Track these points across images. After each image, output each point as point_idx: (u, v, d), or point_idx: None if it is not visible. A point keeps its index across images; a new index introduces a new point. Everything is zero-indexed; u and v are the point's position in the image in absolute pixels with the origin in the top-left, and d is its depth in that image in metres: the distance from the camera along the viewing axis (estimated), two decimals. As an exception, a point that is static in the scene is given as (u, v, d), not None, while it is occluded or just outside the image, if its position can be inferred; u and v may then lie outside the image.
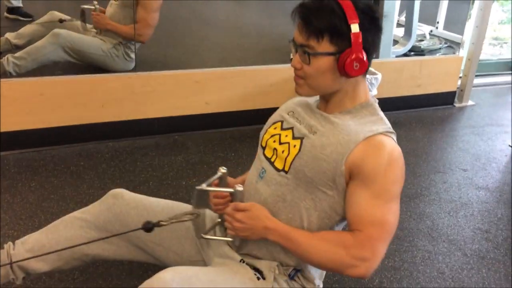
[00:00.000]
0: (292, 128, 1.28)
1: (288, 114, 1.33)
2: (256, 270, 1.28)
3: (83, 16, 3.12)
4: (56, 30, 3.17)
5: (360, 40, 1.14)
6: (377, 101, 1.30)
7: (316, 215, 1.23)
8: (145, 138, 2.68)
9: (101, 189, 2.14)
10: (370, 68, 2.90)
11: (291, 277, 1.29)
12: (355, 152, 1.16)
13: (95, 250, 1.44)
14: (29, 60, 3.08)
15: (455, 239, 2.03)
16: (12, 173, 2.24)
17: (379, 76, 2.91)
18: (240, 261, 1.31)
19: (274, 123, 1.35)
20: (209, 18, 4.82)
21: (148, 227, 1.28)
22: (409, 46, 4.26)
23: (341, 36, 1.14)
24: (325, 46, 1.15)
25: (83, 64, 3.16)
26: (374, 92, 2.92)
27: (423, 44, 4.46)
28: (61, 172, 2.29)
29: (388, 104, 3.24)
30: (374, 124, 1.21)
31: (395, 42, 4.34)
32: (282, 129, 1.30)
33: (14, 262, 1.38)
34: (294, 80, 1.23)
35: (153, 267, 1.40)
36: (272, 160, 1.28)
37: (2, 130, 2.37)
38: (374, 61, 3.36)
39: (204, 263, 1.45)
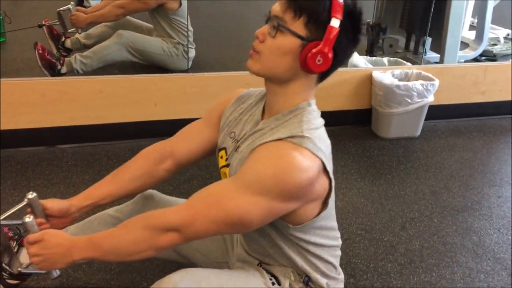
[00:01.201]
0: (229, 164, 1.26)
1: (231, 138, 1.29)
2: (272, 275, 1.30)
3: (61, 19, 3.25)
4: (120, 31, 3.33)
5: (335, 37, 1.07)
6: (311, 104, 1.18)
7: (265, 229, 1.20)
8: (195, 137, 2.74)
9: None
10: (427, 74, 2.84)
11: (306, 283, 1.29)
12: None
13: None
14: (95, 59, 3.26)
15: (502, 257, 1.92)
16: (69, 165, 2.40)
17: (436, 82, 2.80)
18: (258, 264, 1.33)
19: (220, 149, 1.33)
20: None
21: None
22: (479, 51, 4.05)
23: (318, 23, 1.07)
24: (298, 26, 1.08)
25: (146, 63, 3.32)
26: (430, 98, 2.82)
27: (496, 49, 4.22)
28: (114, 167, 2.34)
29: (447, 112, 3.13)
30: (284, 129, 1.13)
31: (466, 45, 4.15)
32: (226, 160, 1.28)
33: None
34: (250, 54, 1.15)
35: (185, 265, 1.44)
36: None
37: (62, 124, 2.53)
38: (435, 66, 3.27)
39: (228, 265, 1.48)
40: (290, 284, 1.28)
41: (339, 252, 1.38)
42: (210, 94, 2.69)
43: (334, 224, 1.33)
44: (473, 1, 4.25)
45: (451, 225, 2.11)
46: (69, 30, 3.38)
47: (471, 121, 3.18)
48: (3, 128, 2.44)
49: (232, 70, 2.77)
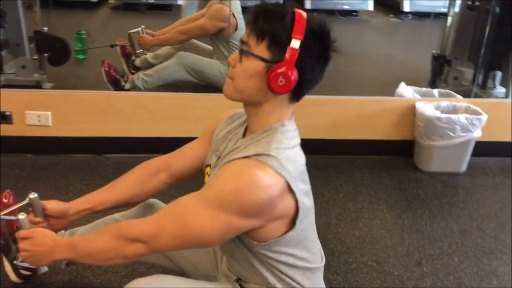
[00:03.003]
0: None
1: (216, 155, 1.32)
2: None
3: (131, 40, 3.51)
4: (181, 52, 3.53)
5: (295, 57, 1.10)
6: (285, 124, 1.19)
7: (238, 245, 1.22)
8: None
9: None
10: (475, 108, 2.72)
11: None
12: None
13: None
14: (156, 77, 3.48)
15: (521, 307, 1.80)
16: (107, 174, 2.57)
17: (484, 117, 2.69)
18: (235, 280, 1.36)
19: (206, 166, 1.37)
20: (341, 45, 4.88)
21: None
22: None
23: (279, 46, 1.11)
24: (262, 50, 1.12)
25: (203, 84, 3.48)
26: (477, 133, 2.70)
27: None
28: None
29: (499, 149, 2.96)
30: (254, 147, 1.15)
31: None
32: (209, 175, 1.33)
33: None
34: (225, 80, 1.20)
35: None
36: None
37: (108, 135, 2.73)
38: (485, 100, 3.12)
39: (217, 279, 1.53)
40: None
41: (317, 275, 1.37)
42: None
43: (311, 245, 1.33)
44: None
45: (473, 266, 2.00)
46: (137, 51, 3.65)
47: (525, 160, 2.99)
48: (56, 135, 2.68)
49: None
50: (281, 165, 1.11)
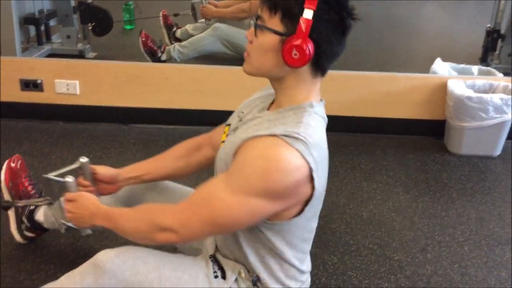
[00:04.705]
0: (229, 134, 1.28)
1: (238, 117, 1.30)
2: (221, 268, 1.32)
3: (193, 9, 3.48)
4: (217, 24, 3.52)
5: (308, 28, 1.06)
6: (313, 105, 1.16)
7: None
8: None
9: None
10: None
11: (254, 283, 1.30)
12: (238, 150, 1.12)
13: None
14: (191, 49, 3.50)
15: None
16: (129, 143, 2.63)
17: (521, 97, 2.50)
18: (210, 256, 1.36)
19: (226, 124, 1.35)
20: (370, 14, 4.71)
21: (5, 206, 1.52)
22: None
23: (292, 17, 1.08)
24: (275, 23, 1.10)
25: (239, 56, 3.46)
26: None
27: None
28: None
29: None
30: (282, 126, 1.11)
31: None
32: (226, 136, 1.30)
33: None
34: (244, 56, 1.18)
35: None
36: None
37: (133, 105, 2.79)
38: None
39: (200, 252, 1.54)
40: (237, 280, 1.30)
41: (304, 267, 1.34)
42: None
43: (307, 235, 1.30)
44: None
45: (482, 256, 1.89)
46: (199, 21, 3.66)
47: None
48: (83, 103, 2.77)
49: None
50: (308, 150, 1.07)
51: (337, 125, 2.77)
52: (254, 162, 1.07)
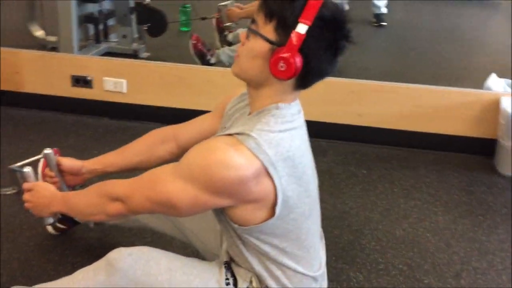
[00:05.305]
0: None
1: (221, 130, 1.30)
2: (234, 276, 1.31)
3: (220, 13, 3.49)
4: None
5: (299, 42, 1.04)
6: (280, 107, 1.14)
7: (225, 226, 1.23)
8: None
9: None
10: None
11: None
12: None
13: (145, 219, 1.68)
14: (241, 53, 3.52)
15: None
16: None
17: None
18: (224, 262, 1.35)
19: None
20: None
21: None
22: None
23: (285, 28, 1.06)
24: (268, 30, 1.09)
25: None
26: None
27: None
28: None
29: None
30: (241, 127, 1.12)
31: None
32: None
33: None
34: (234, 57, 1.19)
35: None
36: None
37: (177, 106, 2.83)
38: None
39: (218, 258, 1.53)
40: None
41: (307, 281, 1.29)
42: (313, 97, 2.68)
43: (306, 239, 1.26)
44: None
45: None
46: (225, 24, 3.70)
47: None
48: (129, 101, 2.84)
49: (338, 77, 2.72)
50: (259, 147, 1.08)
51: (379, 138, 2.72)
52: (200, 154, 1.10)
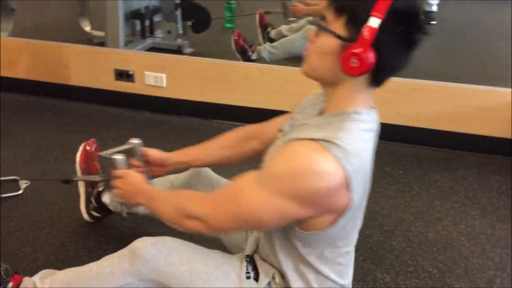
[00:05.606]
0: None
1: (291, 122, 1.29)
2: (255, 270, 1.32)
3: (285, 8, 3.52)
4: (308, 26, 3.51)
5: (371, 37, 1.01)
6: (359, 112, 1.10)
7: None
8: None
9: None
10: None
11: None
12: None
13: None
14: (281, 50, 3.54)
15: None
16: (204, 138, 2.69)
17: None
18: (246, 256, 1.36)
19: (279, 130, 1.33)
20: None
21: (64, 180, 1.73)
22: None
23: (357, 23, 1.02)
24: (339, 26, 1.05)
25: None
26: None
27: None
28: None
29: None
30: (323, 131, 1.07)
31: None
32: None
33: None
34: (303, 56, 1.15)
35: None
36: None
37: (215, 101, 2.87)
38: None
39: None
40: (269, 284, 1.29)
41: (343, 281, 1.28)
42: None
43: (343, 249, 1.24)
44: None
45: None
46: (289, 19, 3.71)
47: None
48: (169, 96, 2.91)
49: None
50: (346, 156, 1.03)
51: (417, 138, 2.66)
52: (287, 163, 1.04)
